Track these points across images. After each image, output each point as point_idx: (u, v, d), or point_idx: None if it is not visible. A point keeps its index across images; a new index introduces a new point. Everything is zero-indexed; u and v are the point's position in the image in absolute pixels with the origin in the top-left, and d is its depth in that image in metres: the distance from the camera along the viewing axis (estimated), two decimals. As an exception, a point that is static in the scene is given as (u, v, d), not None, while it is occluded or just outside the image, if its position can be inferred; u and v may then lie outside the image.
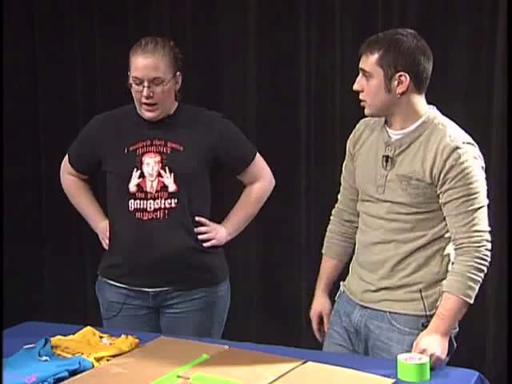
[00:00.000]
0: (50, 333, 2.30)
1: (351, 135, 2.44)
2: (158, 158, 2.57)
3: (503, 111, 3.16)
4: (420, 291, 2.25)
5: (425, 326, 2.21)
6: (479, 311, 3.36)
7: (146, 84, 2.53)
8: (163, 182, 2.57)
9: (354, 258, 2.45)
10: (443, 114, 2.34)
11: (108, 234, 2.69)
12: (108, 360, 2.16)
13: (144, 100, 2.55)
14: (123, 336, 2.29)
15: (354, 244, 2.45)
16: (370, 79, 2.21)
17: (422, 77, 2.24)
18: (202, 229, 2.64)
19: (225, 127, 2.67)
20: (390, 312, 2.29)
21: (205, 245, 2.63)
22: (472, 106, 3.31)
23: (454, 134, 2.22)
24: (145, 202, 2.57)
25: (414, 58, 2.20)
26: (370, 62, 2.20)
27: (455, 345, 2.30)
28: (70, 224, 3.93)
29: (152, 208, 2.56)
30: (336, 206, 2.52)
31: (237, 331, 2.78)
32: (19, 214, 3.99)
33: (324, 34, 3.57)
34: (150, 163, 2.57)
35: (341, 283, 2.49)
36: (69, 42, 4.04)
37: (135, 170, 2.57)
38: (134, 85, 2.56)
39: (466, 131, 2.29)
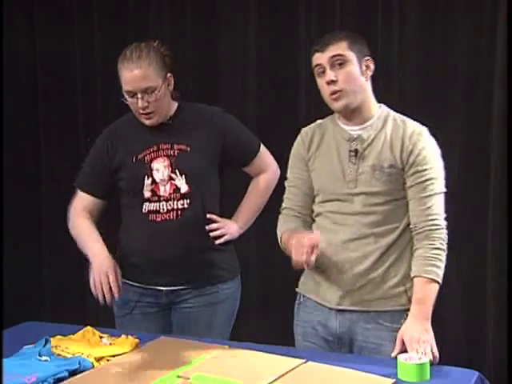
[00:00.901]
0: (50, 333, 2.31)
1: (298, 142, 2.44)
2: (166, 162, 2.58)
3: (503, 111, 3.16)
4: (401, 285, 2.27)
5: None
6: (479, 311, 3.37)
7: (139, 95, 2.52)
8: (175, 185, 2.58)
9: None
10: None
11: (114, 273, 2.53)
12: (108, 360, 2.16)
13: (141, 111, 2.55)
14: (123, 336, 2.30)
15: None
16: (345, 64, 2.25)
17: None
18: (214, 225, 2.65)
19: (228, 122, 2.69)
20: (374, 311, 2.28)
21: (217, 242, 2.65)
22: (472, 106, 3.31)
23: (411, 123, 2.31)
24: (158, 204, 2.58)
25: (368, 50, 2.32)
26: (341, 47, 2.25)
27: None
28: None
29: (165, 209, 2.58)
30: (281, 214, 2.45)
31: (237, 331, 2.78)
32: (19, 214, 3.99)
33: (324, 34, 3.55)
34: (160, 169, 2.57)
35: (298, 291, 2.45)
36: (69, 42, 4.04)
37: (146, 177, 2.57)
38: (128, 98, 2.56)
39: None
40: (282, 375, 2.03)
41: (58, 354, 2.18)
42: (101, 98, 3.99)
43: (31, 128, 4.14)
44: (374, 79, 2.35)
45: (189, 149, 2.59)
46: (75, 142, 3.99)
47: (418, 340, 2.12)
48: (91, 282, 2.50)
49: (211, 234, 2.64)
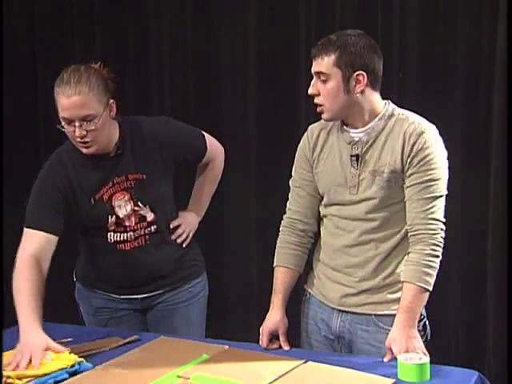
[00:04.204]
0: (50, 333, 2.30)
1: (304, 142, 2.38)
2: (127, 197, 2.47)
3: (503, 111, 3.16)
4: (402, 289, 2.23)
5: None
6: (479, 311, 3.37)
7: (76, 124, 2.31)
8: (140, 214, 2.51)
9: (318, 260, 2.39)
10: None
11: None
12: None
13: (78, 139, 2.34)
14: (66, 353, 2.16)
15: (309, 254, 2.41)
16: (328, 81, 2.18)
17: (377, 74, 2.23)
18: (179, 231, 2.64)
19: (172, 132, 2.55)
20: (375, 315, 2.27)
21: (184, 245, 2.65)
22: (472, 106, 3.31)
23: (417, 120, 2.22)
24: (125, 234, 2.51)
25: (369, 57, 2.19)
26: (326, 63, 2.17)
27: (428, 328, 2.29)
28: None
29: (133, 238, 2.52)
30: (286, 216, 2.42)
31: (237, 331, 2.78)
32: (19, 214, 3.98)
33: (324, 34, 3.55)
34: (122, 205, 2.47)
35: (305, 287, 2.45)
36: (69, 41, 4.04)
37: (109, 216, 2.48)
38: (64, 125, 2.33)
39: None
40: (282, 375, 2.03)
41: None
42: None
43: (31, 128, 4.14)
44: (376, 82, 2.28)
45: (144, 176, 2.48)
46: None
47: (406, 350, 2.11)
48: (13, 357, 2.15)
49: (178, 240, 2.63)
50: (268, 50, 3.69)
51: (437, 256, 2.18)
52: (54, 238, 2.42)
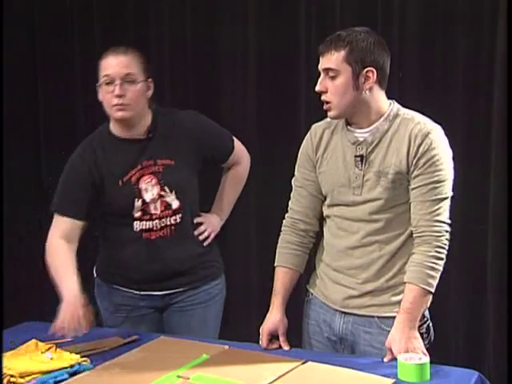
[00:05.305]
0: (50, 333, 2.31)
1: (307, 141, 2.37)
2: (154, 181, 2.53)
3: (503, 111, 3.15)
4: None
5: None
6: (479, 311, 3.37)
7: (117, 82, 2.44)
8: (166, 202, 2.56)
9: (320, 261, 2.38)
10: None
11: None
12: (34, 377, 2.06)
13: (115, 101, 2.45)
14: (67, 353, 2.19)
15: (310, 254, 2.41)
16: (337, 78, 2.17)
17: (385, 72, 2.22)
18: (202, 228, 2.67)
19: (203, 126, 2.64)
20: (378, 317, 2.26)
21: (205, 243, 2.67)
22: (472, 105, 3.31)
23: (423, 121, 2.21)
24: (150, 222, 2.55)
25: (378, 54, 2.18)
26: (336, 59, 2.16)
27: (431, 330, 2.29)
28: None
29: (158, 227, 2.56)
30: (288, 215, 2.41)
31: (237, 331, 2.78)
32: (19, 214, 3.99)
33: (324, 34, 3.55)
34: (149, 188, 2.53)
35: (307, 288, 2.44)
36: (69, 42, 4.04)
37: (136, 199, 2.53)
38: (104, 86, 2.47)
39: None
40: (282, 375, 2.03)
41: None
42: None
43: (31, 128, 4.14)
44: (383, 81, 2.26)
45: (173, 162, 2.55)
46: (75, 141, 3.98)
47: (406, 350, 2.11)
48: (59, 318, 2.33)
49: (200, 237, 2.66)
50: (268, 50, 3.69)
51: (441, 258, 2.17)
52: (78, 224, 2.54)
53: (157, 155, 2.54)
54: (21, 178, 4.07)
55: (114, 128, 2.57)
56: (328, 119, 2.33)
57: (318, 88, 2.21)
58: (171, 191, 2.54)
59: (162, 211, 2.55)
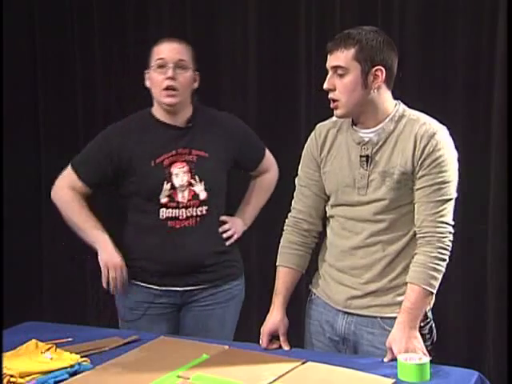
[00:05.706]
0: (50, 333, 2.30)
1: (312, 141, 2.36)
2: (186, 168, 2.57)
3: (503, 111, 3.15)
4: None
5: None
6: (479, 311, 3.37)
7: (170, 65, 2.53)
8: (194, 191, 2.58)
9: (323, 261, 2.38)
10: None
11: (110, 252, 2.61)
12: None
13: (167, 83, 2.54)
14: (67, 353, 2.19)
15: (312, 254, 2.41)
16: (346, 75, 2.16)
17: (393, 71, 2.23)
18: (226, 226, 2.70)
19: (240, 128, 2.72)
20: (380, 317, 2.25)
21: (227, 243, 2.69)
22: (472, 105, 3.31)
23: (428, 121, 2.21)
24: (176, 210, 2.57)
25: (387, 53, 2.19)
26: (345, 57, 2.15)
27: (434, 331, 2.28)
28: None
29: (184, 216, 2.58)
30: (291, 215, 2.41)
31: (237, 331, 2.78)
32: (19, 213, 3.99)
33: (324, 34, 3.57)
34: (179, 174, 2.56)
35: (310, 287, 2.44)
36: (69, 42, 4.04)
37: (165, 182, 2.56)
38: (156, 69, 2.55)
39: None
40: (282, 375, 2.03)
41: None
42: (101, 97, 3.99)
43: (31, 128, 4.14)
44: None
45: (207, 155, 2.59)
46: (75, 141, 3.98)
47: (406, 350, 2.11)
48: (103, 274, 2.57)
49: (224, 235, 2.68)
50: (268, 49, 3.69)
51: (443, 259, 2.17)
52: (83, 188, 2.63)
53: (193, 145, 2.59)
54: (21, 178, 4.07)
55: (157, 112, 2.63)
56: (333, 119, 2.32)
57: (325, 86, 2.21)
58: (201, 181, 2.58)
59: (189, 200, 2.57)
